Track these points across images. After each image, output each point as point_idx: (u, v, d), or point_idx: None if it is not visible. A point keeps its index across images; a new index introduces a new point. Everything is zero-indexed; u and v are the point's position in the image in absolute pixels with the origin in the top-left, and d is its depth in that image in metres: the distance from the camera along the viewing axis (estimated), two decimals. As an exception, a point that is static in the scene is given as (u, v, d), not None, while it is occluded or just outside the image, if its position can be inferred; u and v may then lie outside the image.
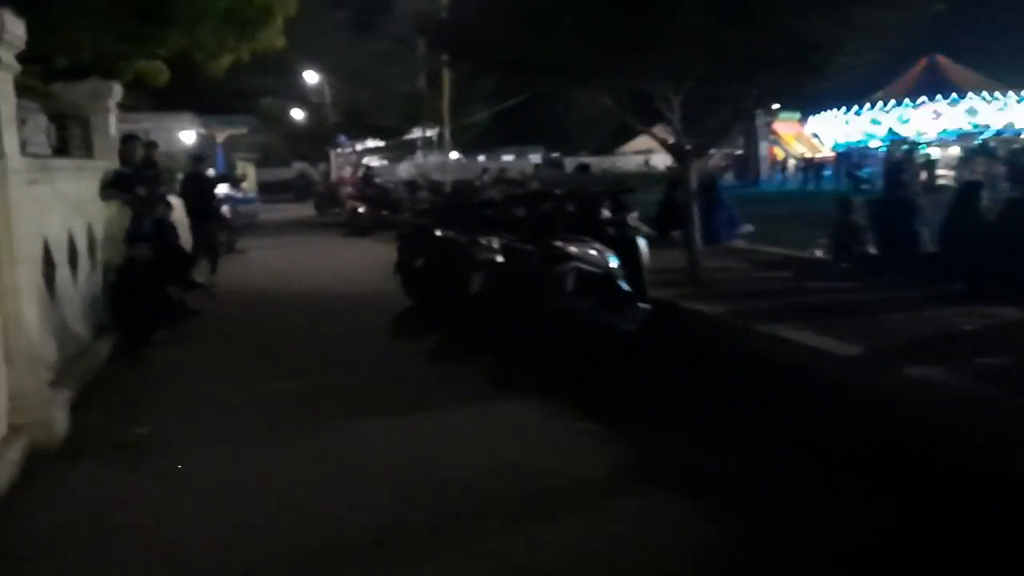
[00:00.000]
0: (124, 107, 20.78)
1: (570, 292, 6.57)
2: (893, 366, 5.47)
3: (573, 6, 7.52)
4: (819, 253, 10.96)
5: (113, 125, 9.18)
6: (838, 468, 4.42)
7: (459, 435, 5.33)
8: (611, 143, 59.28)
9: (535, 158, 56.03)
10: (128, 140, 9.15)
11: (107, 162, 8.86)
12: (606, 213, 7.64)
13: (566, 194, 8.85)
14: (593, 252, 6.91)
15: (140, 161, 9.38)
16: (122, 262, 8.70)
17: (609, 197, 7.75)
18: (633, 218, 7.75)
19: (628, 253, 7.40)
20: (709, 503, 4.11)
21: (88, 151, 8.90)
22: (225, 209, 16.85)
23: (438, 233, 9.07)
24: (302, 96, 33.28)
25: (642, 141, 61.88)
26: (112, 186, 8.69)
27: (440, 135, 23.19)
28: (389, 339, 8.55)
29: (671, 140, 9.38)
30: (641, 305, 7.25)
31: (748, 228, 12.77)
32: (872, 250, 9.80)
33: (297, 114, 36.39)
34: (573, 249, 6.78)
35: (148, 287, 8.54)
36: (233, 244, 16.71)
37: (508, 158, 55.99)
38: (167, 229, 9.25)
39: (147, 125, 20.79)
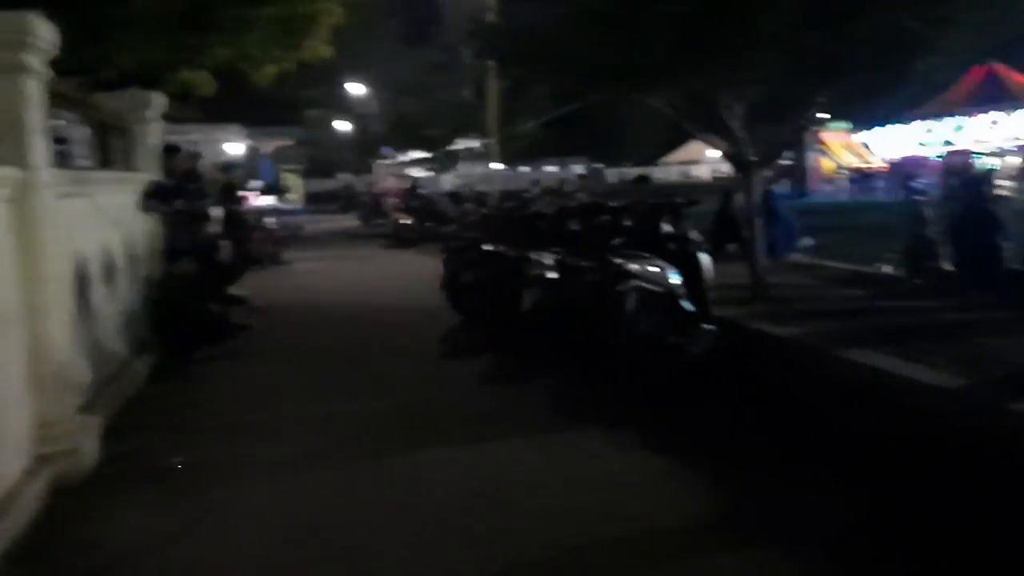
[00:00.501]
0: (171, 119, 20.79)
1: (631, 313, 6.03)
2: (1004, 400, 4.85)
3: (650, 5, 7.01)
4: (888, 268, 10.27)
5: (154, 135, 8.87)
6: (962, 523, 3.83)
7: (524, 471, 4.84)
8: (654, 154, 58.52)
9: (578, 169, 55.47)
10: (169, 151, 8.82)
11: (147, 174, 8.53)
12: (666, 227, 7.10)
13: (623, 207, 8.31)
14: (654, 269, 6.38)
15: (182, 173, 9.04)
16: (162, 277, 8.37)
17: (669, 210, 7.22)
18: (695, 233, 7.19)
19: (690, 270, 6.84)
20: (815, 561, 3.55)
21: (129, 162, 8.59)
22: (271, 221, 16.62)
23: (487, 247, 8.60)
24: (349, 107, 33.19)
25: (684, 152, 61.01)
26: (152, 198, 8.34)
27: (486, 146, 22.80)
28: (440, 358, 8.08)
29: (731, 149, 8.79)
30: (706, 326, 6.69)
31: (808, 242, 12.09)
32: (947, 266, 9.11)
33: (343, 125, 36.37)
34: (634, 266, 6.25)
35: (189, 303, 8.20)
36: (278, 256, 16.45)
37: (551, 169, 55.53)
38: (208, 243, 8.89)
39: (195, 136, 20.73)
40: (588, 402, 6.06)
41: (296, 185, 30.83)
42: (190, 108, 22.51)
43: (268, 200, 17.97)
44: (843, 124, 43.15)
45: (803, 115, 9.13)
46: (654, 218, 7.16)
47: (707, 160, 54.78)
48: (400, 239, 19.97)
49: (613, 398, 6.05)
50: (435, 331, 9.02)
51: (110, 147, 8.31)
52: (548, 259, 7.66)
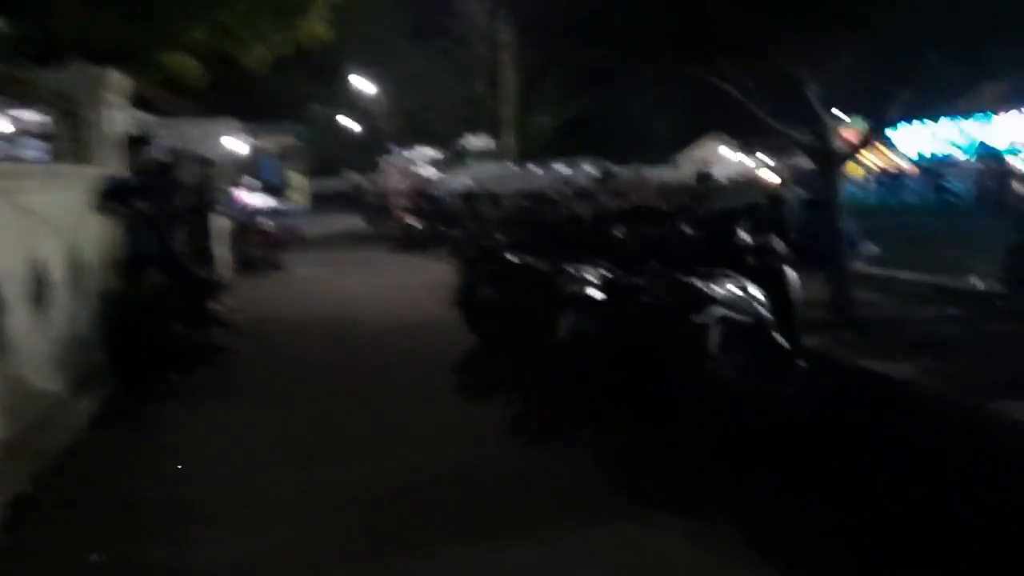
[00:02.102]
0: (162, 112, 19.29)
1: (714, 351, 4.50)
2: None
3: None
4: (977, 283, 8.70)
5: (115, 123, 7.35)
6: None
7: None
8: (665, 153, 56.91)
9: (589, 168, 53.90)
10: (136, 142, 7.33)
11: (104, 168, 7.04)
12: (743, 236, 5.55)
13: (679, 210, 6.78)
14: (738, 292, 4.84)
15: (150, 168, 7.53)
16: (121, 292, 6.88)
17: (749, 214, 5.69)
18: (779, 242, 5.65)
19: (776, 291, 5.29)
20: None
21: (81, 154, 7.09)
22: (269, 223, 15.11)
23: (511, 258, 7.07)
24: (355, 104, 31.69)
25: (698, 151, 59.30)
26: (109, 197, 6.85)
27: (499, 144, 21.29)
28: (456, 396, 6.54)
29: (809, 139, 7.26)
30: (799, 363, 5.16)
31: (872, 248, 10.50)
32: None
33: (350, 123, 34.85)
34: (718, 290, 4.71)
35: (152, 323, 6.71)
36: (277, 261, 14.95)
37: (563, 168, 53.93)
38: (176, 251, 7.38)
39: (188, 132, 19.25)
40: (654, 474, 4.51)
41: (301, 184, 29.31)
42: (185, 102, 21.08)
43: (266, 200, 16.44)
44: (860, 122, 41.60)
45: (889, 105, 7.54)
46: (729, 225, 5.60)
47: (721, 159, 53.21)
48: (408, 242, 18.45)
49: (690, 469, 4.51)
50: (449, 357, 7.51)
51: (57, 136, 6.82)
52: (590, 274, 6.13)
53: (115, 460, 5.10)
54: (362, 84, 29.18)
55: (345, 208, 33.35)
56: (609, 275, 5.74)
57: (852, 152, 7.51)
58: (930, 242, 12.59)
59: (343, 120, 32.67)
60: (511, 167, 19.03)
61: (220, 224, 13.60)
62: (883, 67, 6.93)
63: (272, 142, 26.82)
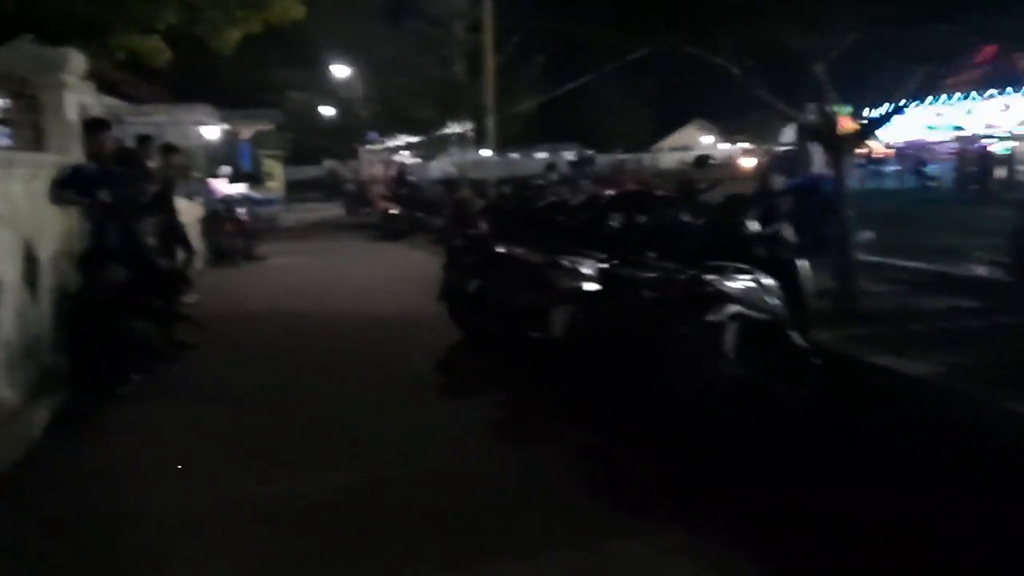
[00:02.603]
0: (131, 97, 18.57)
1: (729, 351, 4.07)
2: None
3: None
4: (981, 270, 8.37)
5: (72, 106, 6.79)
6: None
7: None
8: (645, 140, 56.49)
9: (568, 155, 53.26)
10: (93, 126, 6.78)
11: (61, 156, 6.50)
12: (752, 225, 5.13)
13: (680, 196, 6.35)
14: (751, 285, 4.42)
15: (111, 155, 6.99)
16: (80, 288, 6.36)
17: (761, 201, 5.27)
18: (789, 232, 5.24)
19: (788, 284, 4.88)
20: None
21: (37, 141, 6.54)
22: (242, 211, 14.55)
23: (500, 249, 6.61)
24: (331, 90, 30.96)
25: (677, 138, 59.02)
26: (66, 187, 6.33)
27: (478, 128, 20.72)
28: (438, 395, 6.06)
29: (816, 121, 6.85)
30: (813, 361, 4.76)
31: (869, 235, 10.11)
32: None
33: (327, 110, 34.10)
34: (733, 284, 4.28)
35: (112, 320, 6.21)
36: (251, 250, 14.39)
37: (541, 155, 53.32)
38: (139, 243, 6.87)
39: (159, 118, 18.55)
40: (656, 485, 4.07)
41: (277, 172, 28.65)
42: (152, 87, 20.36)
43: (240, 188, 15.85)
44: (844, 108, 41.37)
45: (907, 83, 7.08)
46: (737, 213, 5.18)
47: (700, 146, 52.88)
48: (388, 230, 17.93)
49: (695, 479, 4.09)
50: (431, 351, 7.06)
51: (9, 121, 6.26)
52: (585, 266, 5.69)
53: (64, 472, 4.60)
54: (338, 70, 28.46)
55: (323, 196, 32.75)
56: (611, 268, 5.27)
57: (862, 134, 7.10)
58: (918, 228, 12.30)
59: (322, 107, 31.92)
60: (489, 153, 18.49)
61: (191, 213, 13.05)
62: (889, 43, 6.49)
63: (247, 129, 26.12)
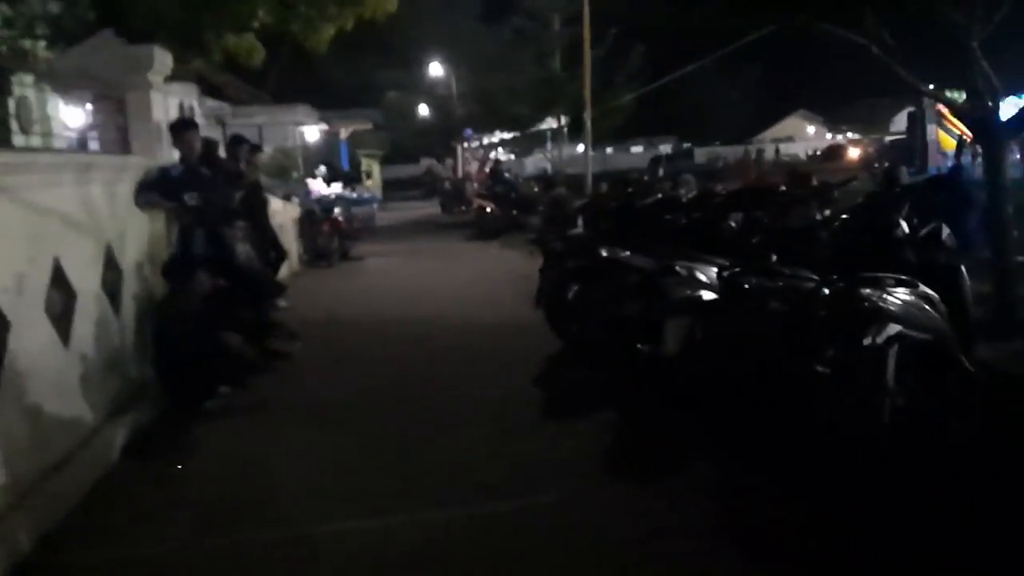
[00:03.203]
0: (233, 100, 18.71)
1: (893, 381, 3.34)
2: None
3: None
4: None
5: (160, 107, 6.52)
6: None
7: None
8: (746, 132, 54.57)
9: (665, 149, 51.93)
10: (181, 128, 6.49)
11: (145, 158, 6.22)
12: (903, 226, 4.36)
13: (809, 193, 5.58)
14: (912, 299, 3.66)
15: (199, 156, 6.69)
16: (166, 298, 6.06)
17: (914, 198, 4.49)
18: (948, 234, 4.44)
19: (946, 292, 4.09)
20: None
21: (124, 143, 6.29)
22: (338, 212, 14.35)
23: (604, 252, 5.98)
24: (428, 89, 30.84)
25: (780, 129, 56.80)
26: (150, 190, 6.03)
27: (574, 123, 20.04)
28: (540, 417, 5.42)
29: (965, 104, 5.97)
30: (981, 387, 3.96)
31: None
32: None
33: (424, 109, 34.07)
34: (893, 300, 3.54)
35: (199, 331, 5.88)
36: (347, 251, 14.18)
37: (637, 149, 52.20)
38: (229, 249, 6.53)
39: (260, 119, 18.68)
40: (804, 536, 3.39)
41: (375, 171, 28.73)
42: (254, 89, 20.52)
43: (336, 188, 15.68)
44: (958, 94, 38.57)
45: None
46: (886, 212, 4.40)
47: (805, 137, 50.76)
48: (483, 229, 17.49)
49: (852, 531, 3.37)
50: (529, 363, 6.50)
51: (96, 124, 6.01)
52: (704, 274, 5.02)
53: (140, 504, 4.24)
54: (435, 68, 28.26)
55: (420, 194, 32.74)
56: (728, 275, 4.58)
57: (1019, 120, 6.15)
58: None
59: (419, 106, 31.89)
60: (584, 149, 17.81)
61: (287, 214, 12.90)
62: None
63: (346, 129, 26.22)
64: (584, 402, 5.63)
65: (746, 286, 4.36)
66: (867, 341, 3.33)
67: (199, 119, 16.71)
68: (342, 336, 8.07)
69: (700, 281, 4.97)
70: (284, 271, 11.96)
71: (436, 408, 5.58)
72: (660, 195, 7.26)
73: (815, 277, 4.37)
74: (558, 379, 6.26)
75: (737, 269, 4.59)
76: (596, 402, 5.58)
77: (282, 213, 12.47)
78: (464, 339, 7.68)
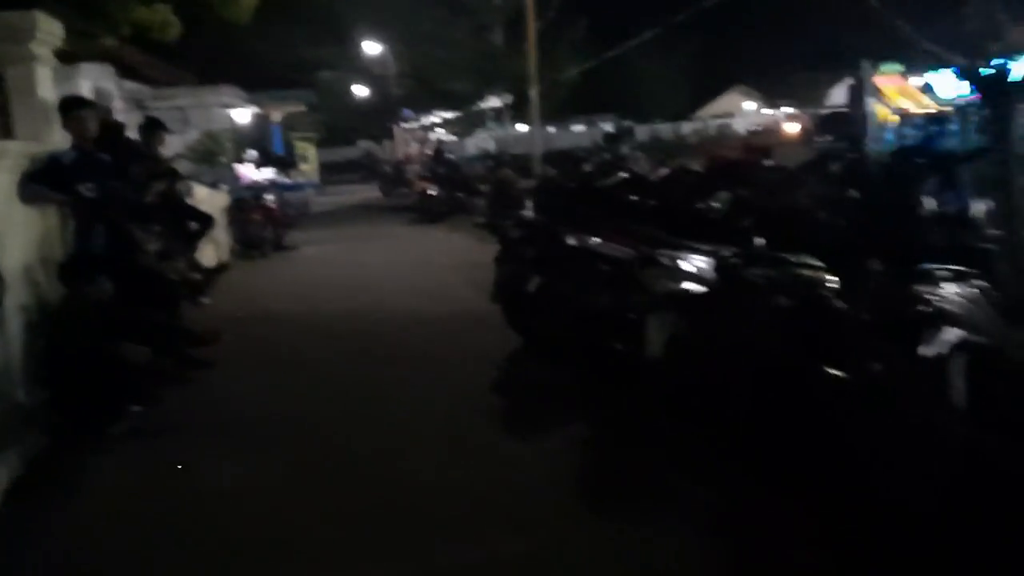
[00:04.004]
0: (157, 82, 17.40)
1: (957, 397, 2.68)
2: None
3: None
4: None
5: (46, 83, 5.51)
6: None
7: None
8: (684, 109, 54.16)
9: (606, 127, 51.19)
10: (71, 105, 5.52)
11: (30, 143, 5.25)
12: (928, 202, 3.72)
13: (812, 163, 4.91)
14: (974, 296, 3.00)
15: (96, 140, 5.73)
16: (60, 305, 5.13)
17: (938, 171, 3.85)
18: (974, 209, 3.82)
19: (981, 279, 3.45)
20: None
21: (5, 125, 5.29)
22: (270, 198, 13.31)
23: (571, 241, 5.24)
24: (364, 68, 29.60)
25: (718, 106, 56.57)
26: (39, 180, 5.09)
27: (517, 101, 19.23)
28: (502, 430, 4.67)
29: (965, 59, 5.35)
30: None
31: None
32: None
33: (360, 89, 32.79)
34: (950, 297, 2.87)
35: (100, 342, 4.98)
36: (281, 240, 13.16)
37: (579, 128, 51.40)
38: (134, 246, 5.61)
39: (182, 101, 17.43)
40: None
41: (311, 155, 27.45)
42: (177, 70, 19.20)
43: (268, 174, 14.61)
44: (895, 66, 38.71)
45: None
46: (908, 185, 3.75)
47: (743, 112, 50.59)
48: (426, 212, 16.59)
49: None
50: (486, 363, 5.77)
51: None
52: (689, 263, 4.31)
53: (19, 557, 3.39)
54: (370, 46, 27.05)
55: (359, 177, 31.51)
56: (722, 263, 3.88)
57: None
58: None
59: (354, 87, 30.60)
60: (526, 127, 17.03)
61: (215, 202, 11.86)
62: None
63: (278, 111, 24.90)
64: (550, 412, 4.90)
65: (747, 277, 3.66)
66: (927, 351, 2.66)
67: (117, 102, 15.47)
68: (272, 337, 7.19)
69: (685, 272, 4.27)
70: (212, 262, 10.95)
71: (381, 425, 4.78)
72: (625, 174, 6.52)
73: (822, 265, 3.71)
74: (519, 383, 5.52)
75: (732, 256, 3.88)
76: (564, 411, 4.85)
77: (208, 202, 11.41)
78: (413, 337, 6.88)
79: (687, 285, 4.28)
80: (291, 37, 26.87)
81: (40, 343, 4.95)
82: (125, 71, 16.02)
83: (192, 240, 7.65)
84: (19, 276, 4.83)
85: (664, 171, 6.10)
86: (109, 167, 5.72)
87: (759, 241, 4.47)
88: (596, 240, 5.12)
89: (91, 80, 14.71)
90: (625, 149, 10.61)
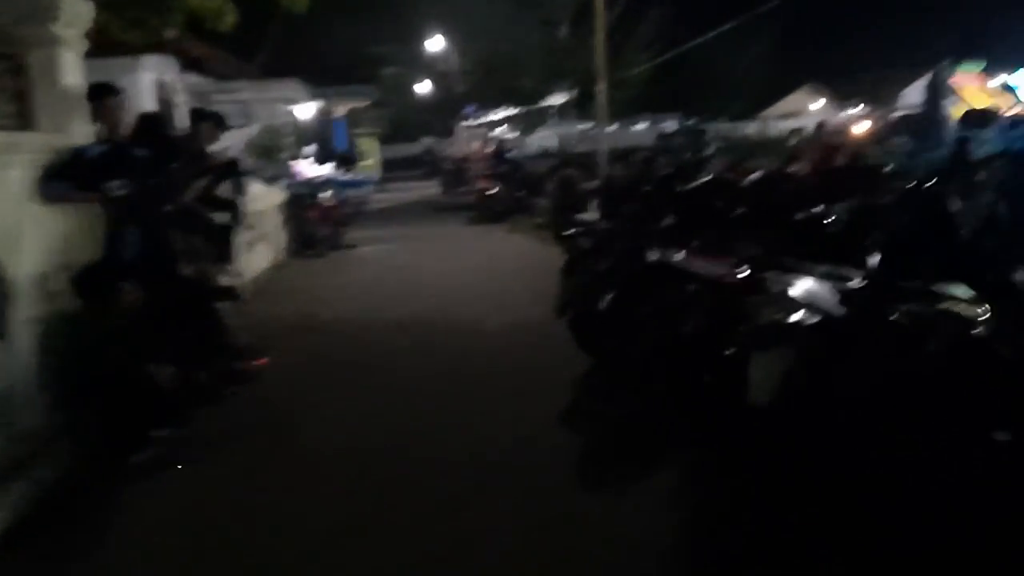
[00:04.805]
0: (222, 75, 17.07)
1: None
2: None
3: None
4: None
5: (72, 69, 4.94)
6: None
7: None
8: (753, 108, 52.45)
9: (671, 126, 49.78)
10: (98, 93, 4.96)
11: (53, 135, 4.70)
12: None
13: (945, 173, 4.06)
14: None
15: (134, 133, 5.17)
16: (79, 318, 4.56)
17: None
18: None
19: None
20: None
21: (24, 115, 4.74)
22: (327, 196, 12.77)
23: (653, 257, 4.46)
24: (428, 64, 29.07)
25: (785, 105, 54.58)
26: (61, 178, 4.52)
27: (582, 98, 18.36)
28: (584, 483, 3.90)
29: None
30: None
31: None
32: None
33: (424, 85, 32.30)
34: None
35: (126, 360, 4.41)
36: (338, 238, 12.64)
37: (641, 126, 50.17)
38: (169, 253, 5.02)
39: (246, 95, 17.05)
40: None
41: (373, 150, 27.05)
42: (242, 64, 18.88)
43: (326, 170, 14.11)
44: (974, 65, 36.57)
45: None
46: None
47: (811, 113, 48.70)
48: (486, 212, 15.92)
49: None
50: (553, 390, 5.04)
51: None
52: (805, 287, 3.50)
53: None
54: (434, 43, 26.45)
55: (420, 174, 31.04)
56: (866, 295, 3.07)
57: None
58: None
59: (419, 83, 30.11)
60: (588, 125, 16.17)
61: (270, 199, 11.38)
62: None
63: (342, 106, 24.51)
64: (629, 456, 4.13)
65: (892, 313, 2.84)
66: None
67: (179, 95, 15.07)
68: (320, 348, 6.57)
69: (799, 300, 3.46)
70: (266, 263, 10.47)
71: (431, 469, 4.07)
72: (710, 176, 5.68)
73: (972, 295, 2.89)
74: (593, 415, 4.76)
75: (867, 284, 3.07)
76: (645, 456, 4.09)
77: (264, 199, 10.93)
78: (470, 354, 6.18)
79: (802, 316, 3.47)
80: (356, 33, 26.49)
81: (55, 361, 4.40)
82: (189, 64, 15.71)
83: (224, 240, 6.97)
84: (33, 286, 4.27)
85: (756, 174, 5.26)
86: (145, 162, 5.13)
87: (874, 261, 3.65)
88: (680, 254, 4.33)
89: (153, 72, 14.39)
90: (711, 148, 9.71)
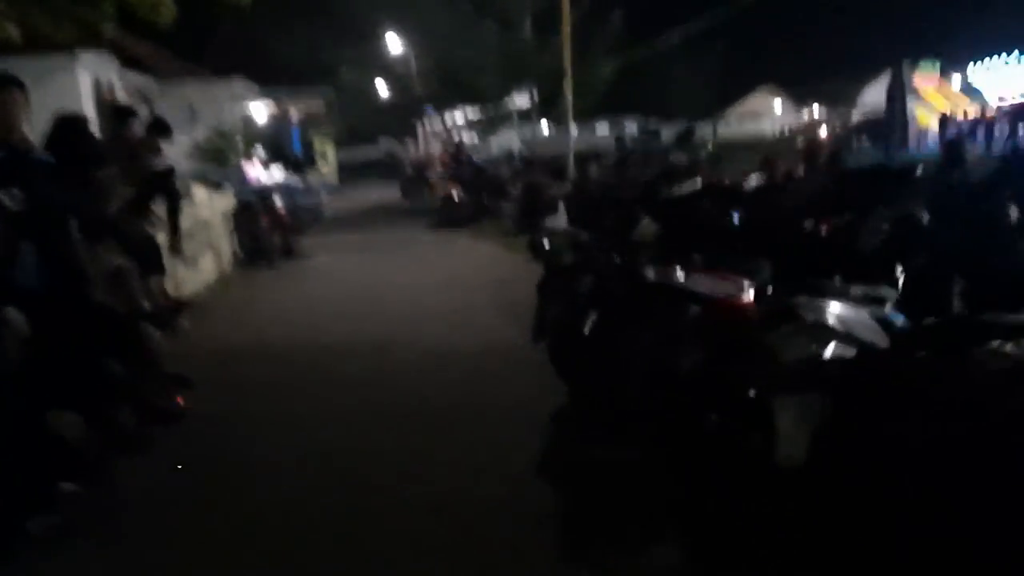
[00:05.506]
0: (166, 75, 16.15)
1: None
2: None
3: None
4: None
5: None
6: None
7: None
8: (709, 109, 52.41)
9: (631, 128, 49.44)
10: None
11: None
12: None
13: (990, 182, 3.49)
14: None
15: (49, 137, 4.41)
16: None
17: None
18: None
19: None
20: None
21: None
22: (279, 203, 11.97)
23: (650, 276, 3.82)
24: (386, 65, 28.25)
25: (745, 106, 54.78)
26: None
27: (545, 100, 17.76)
28: (560, 551, 3.25)
29: None
30: None
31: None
32: None
33: (382, 87, 31.44)
34: None
35: (11, 409, 3.66)
36: (290, 248, 11.85)
37: (602, 129, 49.84)
38: (79, 272, 4.26)
39: (192, 95, 16.19)
40: None
41: (329, 153, 26.16)
42: (187, 63, 17.99)
43: (277, 175, 13.30)
44: (930, 65, 36.58)
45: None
46: None
47: (771, 113, 48.79)
48: (448, 217, 15.21)
49: None
50: (527, 431, 4.36)
51: None
52: (840, 316, 2.89)
53: None
54: (392, 42, 25.65)
55: (378, 178, 30.17)
56: (935, 331, 2.46)
57: None
58: None
59: (376, 84, 29.26)
60: (564, 126, 15.60)
61: (217, 207, 10.57)
62: None
63: (296, 109, 23.65)
64: (622, 518, 3.45)
65: (977, 358, 2.23)
66: None
67: (119, 94, 14.11)
68: (260, 379, 5.79)
69: (840, 331, 2.84)
70: (211, 276, 9.66)
71: (395, 530, 3.38)
72: (703, 182, 5.07)
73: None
74: (573, 463, 4.08)
75: (932, 322, 2.45)
76: (641, 518, 3.42)
77: (209, 205, 10.13)
78: (429, 385, 5.45)
79: (834, 347, 2.86)
80: (310, 33, 25.66)
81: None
82: (129, 62, 14.82)
83: (156, 256, 6.19)
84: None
85: (755, 179, 4.66)
86: (48, 169, 4.37)
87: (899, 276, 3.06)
88: (681, 273, 3.70)
89: (91, 71, 13.50)
90: (703, 152, 9.13)
